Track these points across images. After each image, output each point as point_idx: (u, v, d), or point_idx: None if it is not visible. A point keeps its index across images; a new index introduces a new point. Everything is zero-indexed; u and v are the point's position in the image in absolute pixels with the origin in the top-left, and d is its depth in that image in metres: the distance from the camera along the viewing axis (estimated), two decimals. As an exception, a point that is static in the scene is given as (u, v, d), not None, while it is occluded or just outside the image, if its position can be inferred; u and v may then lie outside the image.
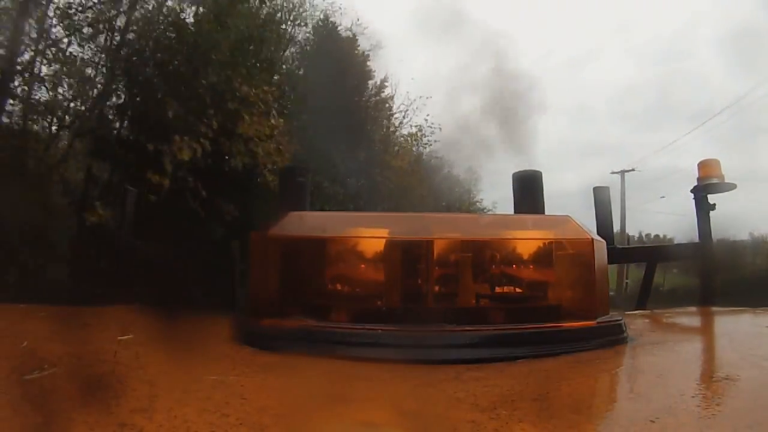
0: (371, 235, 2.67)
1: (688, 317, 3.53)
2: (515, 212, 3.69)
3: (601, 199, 4.21)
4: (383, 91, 11.45)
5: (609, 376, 2.13)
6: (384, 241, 2.64)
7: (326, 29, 8.32)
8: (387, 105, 11.93)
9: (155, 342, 2.31)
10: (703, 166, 4.12)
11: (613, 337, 2.44)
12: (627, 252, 5.20)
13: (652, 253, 4.61)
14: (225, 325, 2.64)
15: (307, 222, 2.91)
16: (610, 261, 3.15)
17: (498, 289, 2.65)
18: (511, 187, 3.90)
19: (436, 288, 2.62)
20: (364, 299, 2.67)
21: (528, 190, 3.80)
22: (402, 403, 1.68)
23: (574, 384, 1.89)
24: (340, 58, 8.57)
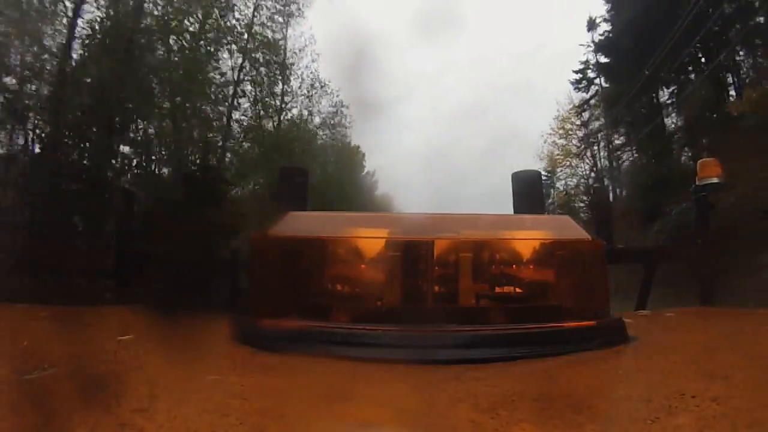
0: (371, 236, 2.67)
1: (688, 317, 3.52)
2: (515, 212, 3.69)
3: (601, 199, 4.21)
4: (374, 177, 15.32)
5: (609, 376, 2.13)
6: (384, 241, 2.64)
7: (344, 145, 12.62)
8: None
9: (155, 342, 2.31)
10: (703, 166, 4.12)
11: (613, 337, 2.44)
12: (627, 252, 5.19)
13: (652, 254, 4.61)
14: (225, 325, 2.65)
15: (307, 222, 2.91)
16: (610, 261, 3.15)
17: (498, 289, 2.65)
18: (511, 187, 3.92)
19: (437, 288, 2.62)
20: (364, 299, 2.67)
21: (528, 190, 3.81)
22: (402, 403, 1.68)
23: (574, 384, 1.88)
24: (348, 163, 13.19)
